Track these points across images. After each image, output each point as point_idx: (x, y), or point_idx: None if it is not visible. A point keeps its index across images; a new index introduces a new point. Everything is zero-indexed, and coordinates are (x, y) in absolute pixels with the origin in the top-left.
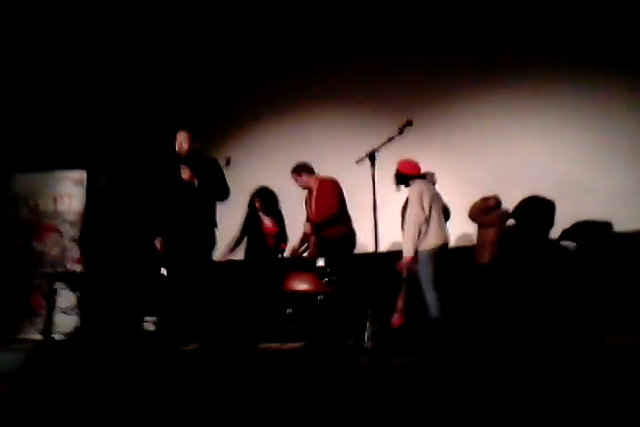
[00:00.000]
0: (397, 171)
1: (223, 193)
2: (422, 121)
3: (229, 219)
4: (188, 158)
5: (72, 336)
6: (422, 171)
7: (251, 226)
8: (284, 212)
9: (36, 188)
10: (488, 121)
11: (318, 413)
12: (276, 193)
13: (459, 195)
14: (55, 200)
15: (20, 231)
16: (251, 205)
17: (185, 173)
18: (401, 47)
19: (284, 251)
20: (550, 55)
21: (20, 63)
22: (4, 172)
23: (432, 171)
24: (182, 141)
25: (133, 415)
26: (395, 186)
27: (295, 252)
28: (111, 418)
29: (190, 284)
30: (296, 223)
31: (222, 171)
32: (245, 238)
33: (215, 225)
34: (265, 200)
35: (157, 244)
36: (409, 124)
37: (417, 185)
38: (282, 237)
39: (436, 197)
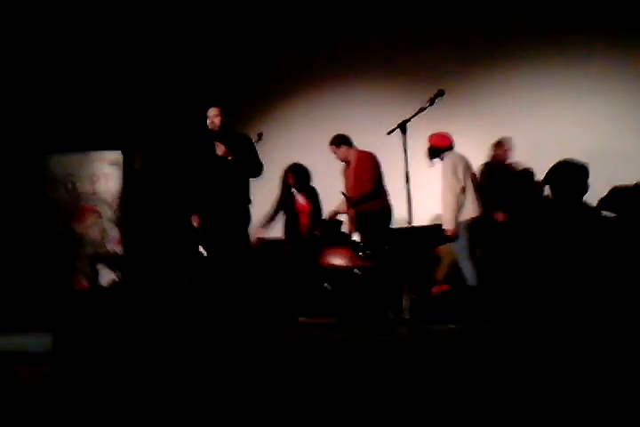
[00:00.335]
0: (429, 144)
1: (256, 169)
2: (454, 91)
3: (261, 195)
4: (220, 134)
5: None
6: (457, 140)
7: (284, 203)
8: (322, 186)
9: (73, 169)
10: (520, 90)
11: (358, 382)
12: (309, 169)
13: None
14: (92, 181)
15: (59, 214)
16: (284, 181)
17: (219, 149)
18: (429, 17)
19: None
20: (582, 23)
21: (55, 45)
22: (40, 153)
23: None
24: (214, 117)
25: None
26: (428, 160)
27: (334, 215)
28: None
29: (228, 260)
30: (328, 199)
31: (254, 147)
32: (280, 215)
33: (249, 201)
34: (298, 176)
35: (194, 221)
36: (440, 94)
37: (450, 157)
38: (315, 213)
39: (470, 169)
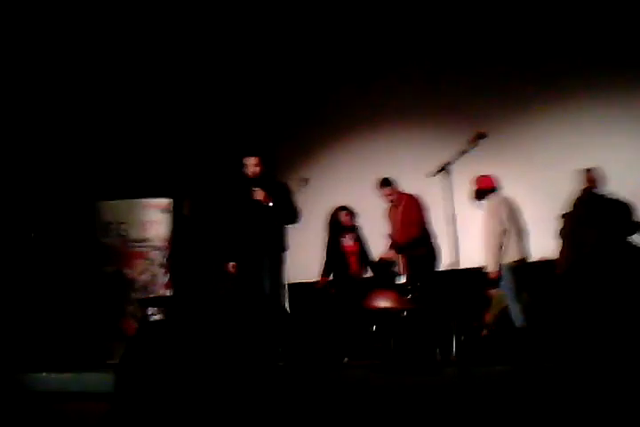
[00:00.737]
0: (475, 187)
1: (294, 215)
2: (496, 133)
3: (305, 240)
4: (259, 181)
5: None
6: (500, 183)
7: (332, 246)
8: (366, 230)
9: (124, 215)
10: (566, 130)
11: (406, 421)
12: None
13: (537, 207)
14: (143, 227)
15: (110, 258)
16: (331, 223)
17: (259, 195)
18: (470, 58)
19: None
20: (624, 62)
21: (106, 95)
22: (92, 200)
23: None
24: (254, 167)
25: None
26: (474, 202)
27: (386, 259)
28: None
29: (261, 306)
30: (371, 243)
31: (292, 194)
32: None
33: (285, 248)
34: (352, 215)
35: (231, 267)
36: (482, 136)
37: (493, 199)
38: (363, 254)
39: (516, 211)
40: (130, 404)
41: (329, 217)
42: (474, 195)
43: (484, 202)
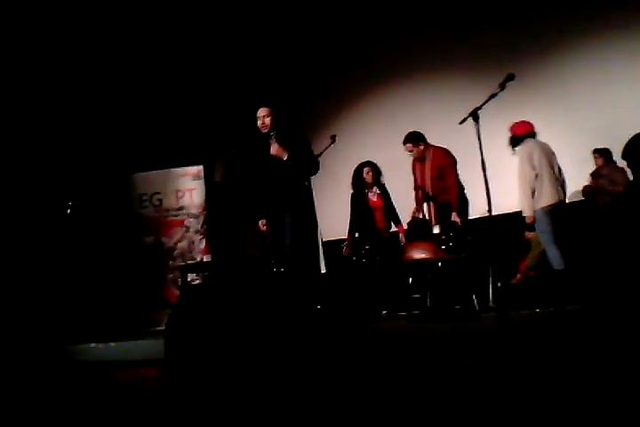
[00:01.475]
0: (510, 133)
1: (313, 166)
2: (524, 75)
3: (335, 195)
4: (273, 133)
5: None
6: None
7: (356, 202)
8: (397, 184)
9: (158, 186)
10: (593, 70)
11: (445, 370)
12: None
13: (568, 148)
14: (177, 196)
15: (148, 229)
16: (355, 179)
17: (273, 149)
18: (496, 2)
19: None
20: None
21: (134, 68)
22: (126, 172)
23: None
24: (264, 118)
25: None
26: (510, 149)
27: (415, 216)
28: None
29: (298, 259)
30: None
31: (309, 143)
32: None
33: (308, 203)
34: (375, 172)
35: (262, 225)
36: (510, 78)
37: (526, 144)
38: (389, 210)
39: (548, 156)
40: (181, 368)
41: (352, 173)
42: (509, 141)
43: (517, 148)
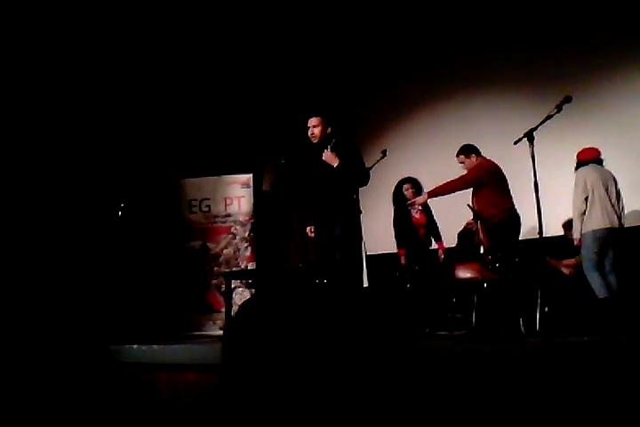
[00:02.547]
0: (577, 156)
1: (363, 176)
2: (582, 98)
3: (385, 212)
4: (325, 143)
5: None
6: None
7: (400, 219)
8: (446, 200)
9: (208, 192)
10: None
11: (487, 392)
12: (423, 184)
13: (624, 173)
14: (226, 203)
15: (195, 234)
16: (396, 196)
17: (325, 156)
18: (554, 22)
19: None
20: None
21: (192, 74)
22: (177, 178)
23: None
24: (313, 128)
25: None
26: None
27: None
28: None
29: (341, 269)
30: (454, 213)
31: (360, 154)
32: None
33: (360, 211)
34: (415, 187)
35: (310, 232)
36: (567, 100)
37: (583, 168)
38: (432, 227)
39: (603, 181)
40: (238, 375)
41: (393, 189)
42: (575, 166)
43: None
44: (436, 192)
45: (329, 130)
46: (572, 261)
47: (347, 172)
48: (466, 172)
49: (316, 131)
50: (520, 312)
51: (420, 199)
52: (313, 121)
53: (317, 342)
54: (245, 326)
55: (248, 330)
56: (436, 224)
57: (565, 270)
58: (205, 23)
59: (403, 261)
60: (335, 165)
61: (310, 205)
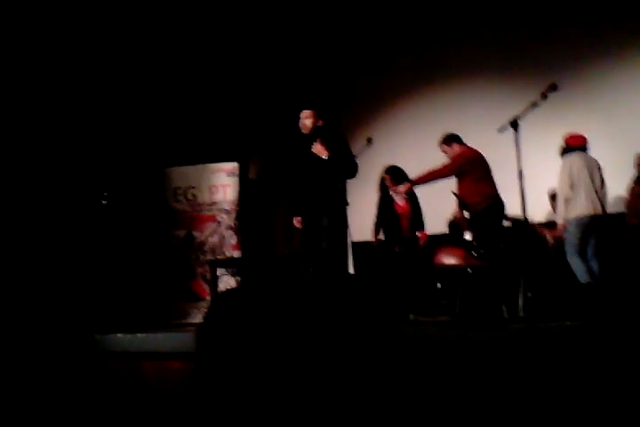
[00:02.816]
0: (563, 142)
1: (351, 169)
2: (567, 86)
3: (371, 200)
4: (315, 135)
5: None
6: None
7: (383, 206)
8: (427, 190)
9: (193, 180)
10: (635, 83)
11: (470, 378)
12: (406, 171)
13: (611, 157)
14: (211, 191)
15: (180, 222)
16: (382, 184)
17: (315, 148)
18: (539, 12)
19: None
20: None
21: (177, 63)
22: (162, 167)
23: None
24: (304, 119)
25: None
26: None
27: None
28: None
29: (327, 259)
30: (443, 201)
31: (349, 147)
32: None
33: (346, 203)
34: (394, 177)
35: (296, 222)
36: (553, 88)
37: (570, 155)
38: (416, 217)
39: (589, 169)
40: (213, 363)
41: (380, 177)
42: (560, 150)
43: (562, 158)
44: (419, 181)
45: (320, 123)
46: (559, 232)
47: (336, 164)
48: (449, 160)
49: (308, 122)
50: (503, 298)
51: (401, 188)
52: (305, 113)
53: (296, 331)
54: (220, 318)
55: (223, 321)
56: (420, 213)
57: (550, 239)
58: (190, 14)
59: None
60: (325, 157)
61: (298, 195)
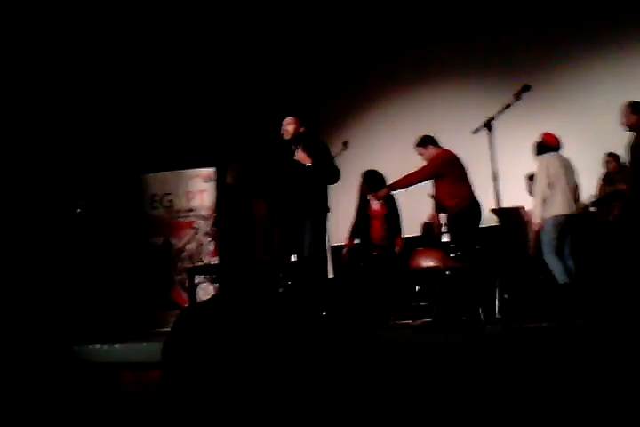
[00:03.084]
0: (539, 140)
1: (334, 174)
2: (540, 87)
3: (348, 203)
4: (297, 142)
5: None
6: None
7: (360, 209)
8: (403, 193)
9: (170, 187)
10: (608, 82)
11: (448, 382)
12: (384, 175)
13: (584, 156)
14: (188, 198)
15: (157, 230)
16: (360, 186)
17: (298, 155)
18: (512, 13)
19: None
20: None
21: (153, 69)
22: (138, 173)
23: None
24: (287, 125)
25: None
26: (533, 155)
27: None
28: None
29: (306, 267)
30: (420, 204)
31: (331, 153)
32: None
33: (328, 209)
34: (369, 181)
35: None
36: (526, 89)
37: (546, 155)
38: (392, 221)
39: (566, 169)
40: (179, 373)
41: (360, 182)
42: (535, 148)
43: (538, 158)
44: (396, 185)
45: (302, 129)
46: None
47: (318, 170)
48: (426, 163)
49: (290, 128)
50: (480, 300)
51: (380, 193)
52: (288, 120)
53: (264, 342)
54: (185, 332)
55: (188, 336)
56: (396, 217)
57: (535, 226)
58: (167, 18)
59: (344, 252)
60: (308, 164)
61: (281, 200)
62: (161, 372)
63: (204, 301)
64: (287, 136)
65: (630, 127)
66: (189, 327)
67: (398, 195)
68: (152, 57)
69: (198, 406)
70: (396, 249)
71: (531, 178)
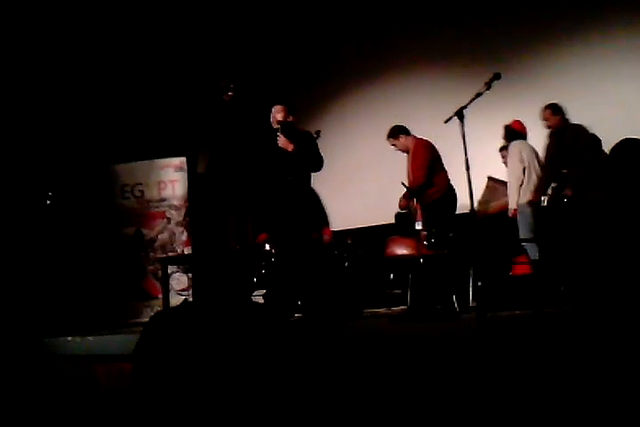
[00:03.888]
0: (509, 126)
1: (317, 162)
2: (511, 75)
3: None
4: (282, 129)
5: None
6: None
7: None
8: (382, 179)
9: (141, 176)
10: (578, 71)
11: (424, 371)
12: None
13: None
14: (159, 187)
15: (129, 220)
16: None
17: (280, 141)
18: (482, 2)
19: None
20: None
21: (120, 58)
22: (108, 163)
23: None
24: (275, 113)
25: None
26: (503, 140)
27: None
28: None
29: (293, 255)
30: (393, 192)
31: (315, 142)
32: None
33: (313, 197)
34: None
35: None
36: (497, 77)
37: (517, 142)
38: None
39: (534, 156)
40: (152, 366)
41: None
42: (505, 134)
43: (510, 145)
44: (415, 189)
45: (290, 118)
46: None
47: (301, 156)
48: (408, 154)
49: (279, 116)
50: (454, 288)
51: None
52: (277, 108)
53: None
54: (154, 339)
55: (157, 342)
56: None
57: (511, 212)
58: (134, 6)
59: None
60: (290, 150)
61: (261, 188)
62: (132, 377)
63: (174, 307)
64: (275, 124)
65: (554, 128)
66: (159, 333)
67: (364, 182)
68: (120, 46)
69: (169, 403)
70: (325, 238)
71: (502, 149)
